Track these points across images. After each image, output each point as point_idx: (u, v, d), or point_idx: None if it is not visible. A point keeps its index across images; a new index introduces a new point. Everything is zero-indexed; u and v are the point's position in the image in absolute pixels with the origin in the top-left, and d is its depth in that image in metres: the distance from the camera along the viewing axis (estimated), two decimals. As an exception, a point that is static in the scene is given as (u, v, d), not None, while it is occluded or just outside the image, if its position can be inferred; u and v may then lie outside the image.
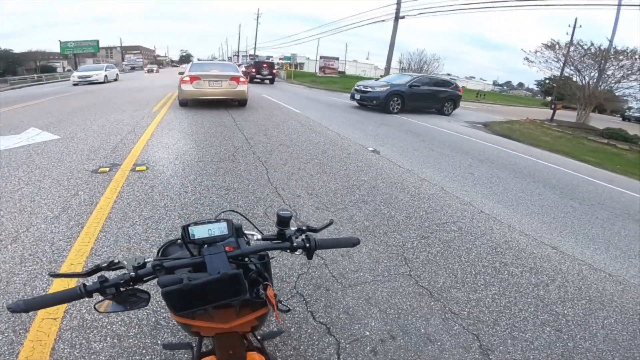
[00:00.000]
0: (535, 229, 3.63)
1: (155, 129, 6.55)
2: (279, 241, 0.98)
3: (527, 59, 18.73)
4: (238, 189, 3.81)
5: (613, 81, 16.16)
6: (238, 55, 67.71)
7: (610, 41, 16.39)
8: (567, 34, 21.66)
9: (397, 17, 21.92)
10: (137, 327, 1.85)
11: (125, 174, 4.05)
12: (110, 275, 0.79)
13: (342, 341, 1.87)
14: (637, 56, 14.80)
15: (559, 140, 11.14)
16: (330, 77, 36.79)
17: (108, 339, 1.77)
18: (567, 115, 18.53)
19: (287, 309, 0.86)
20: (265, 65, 25.48)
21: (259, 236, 1.06)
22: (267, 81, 24.77)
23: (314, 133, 7.26)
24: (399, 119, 11.05)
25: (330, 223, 1.12)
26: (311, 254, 0.96)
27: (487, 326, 2.09)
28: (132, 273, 0.80)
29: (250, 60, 40.88)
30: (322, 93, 20.40)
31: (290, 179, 4.27)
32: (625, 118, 29.36)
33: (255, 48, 56.92)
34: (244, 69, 24.02)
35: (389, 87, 12.34)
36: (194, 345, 1.24)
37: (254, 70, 24.51)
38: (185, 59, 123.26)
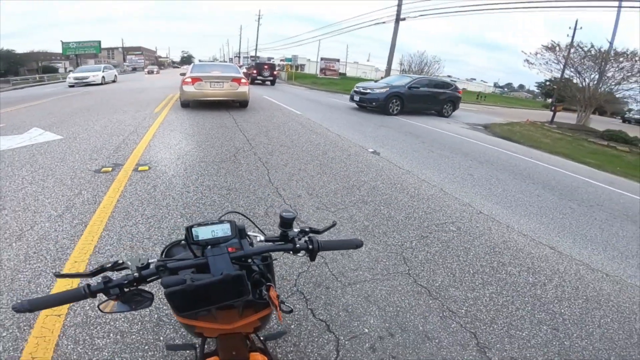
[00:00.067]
0: (534, 229, 3.66)
1: (157, 130, 6.60)
2: (282, 243, 0.99)
3: (527, 60, 18.81)
4: (239, 189, 3.85)
5: (613, 83, 16.20)
6: (239, 57, 67.83)
7: (611, 43, 16.47)
8: (567, 35, 21.71)
9: (398, 19, 21.98)
10: (139, 323, 1.88)
11: (127, 173, 4.09)
12: (114, 275, 0.80)
13: (342, 338, 1.90)
14: (637, 58, 14.85)
15: (559, 142, 11.17)
16: (331, 78, 36.85)
17: (111, 335, 1.80)
18: (567, 117, 18.58)
19: (289, 309, 0.87)
20: (266, 66, 25.51)
21: (262, 237, 1.07)
22: (268, 82, 24.81)
23: (315, 134, 7.30)
24: (398, 120, 11.09)
25: (333, 225, 1.12)
26: (314, 256, 0.97)
27: (485, 324, 2.12)
28: (135, 274, 0.81)
29: (252, 61, 40.96)
30: (322, 95, 20.44)
31: (291, 180, 4.30)
32: (625, 120, 29.41)
33: (256, 49, 57.07)
34: (245, 70, 24.07)
35: (388, 89, 12.33)
36: (197, 346, 1.25)
37: (255, 71, 24.53)
38: (187, 60, 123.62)
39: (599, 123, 17.71)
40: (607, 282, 2.81)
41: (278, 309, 0.83)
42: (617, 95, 17.93)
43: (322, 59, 42.21)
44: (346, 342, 1.88)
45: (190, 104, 9.63)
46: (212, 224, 0.89)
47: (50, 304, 0.74)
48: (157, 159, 4.73)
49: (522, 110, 29.92)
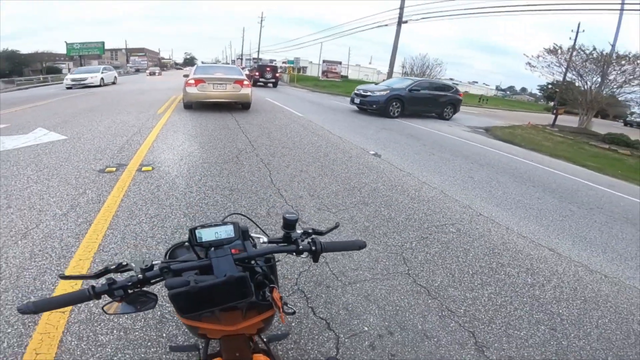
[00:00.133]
0: (533, 231, 3.69)
1: (160, 131, 6.66)
2: (285, 244, 0.99)
3: (529, 63, 18.82)
4: (242, 190, 3.89)
5: (615, 86, 16.21)
6: (242, 59, 68.12)
7: (613, 46, 16.47)
8: (570, 38, 21.69)
9: (400, 22, 22.06)
10: (142, 320, 1.91)
11: (131, 174, 4.14)
12: (118, 277, 0.81)
13: (342, 336, 1.93)
14: (639, 61, 14.84)
15: (560, 145, 11.18)
16: (333, 81, 36.94)
17: (115, 331, 1.82)
18: (569, 121, 18.58)
19: (292, 311, 0.87)
20: (268, 68, 25.59)
21: (265, 239, 1.07)
22: (271, 85, 24.88)
23: (316, 136, 7.34)
24: (400, 123, 11.12)
25: (337, 226, 1.12)
26: (317, 257, 0.97)
27: (483, 324, 2.15)
28: (139, 275, 0.81)
29: (254, 63, 41.11)
30: (324, 97, 20.51)
31: (292, 181, 4.34)
32: (627, 123, 29.36)
33: (258, 51, 57.28)
34: (247, 72, 24.15)
35: (388, 92, 12.32)
36: (200, 347, 1.25)
37: (257, 73, 24.60)
38: (189, 61, 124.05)
39: (601, 126, 17.71)
40: (605, 283, 2.84)
41: (281, 310, 0.83)
42: (619, 99, 17.93)
43: (324, 61, 42.38)
44: (346, 340, 1.91)
45: (193, 106, 9.69)
46: (216, 225, 0.89)
47: (54, 306, 0.75)
48: (160, 160, 4.78)
49: (524, 113, 29.92)
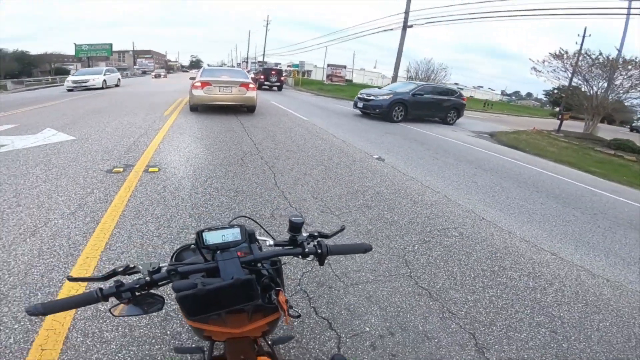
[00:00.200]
0: (536, 235, 3.69)
1: (167, 133, 6.74)
2: (291, 247, 0.99)
3: (534, 68, 18.76)
4: (246, 192, 3.93)
5: (622, 91, 16.11)
6: (247, 62, 68.55)
7: (619, 50, 16.41)
8: (576, 43, 21.66)
9: (405, 26, 22.13)
10: (147, 318, 1.94)
11: (138, 174, 4.21)
12: (126, 279, 0.81)
13: (343, 335, 1.96)
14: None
15: (565, 150, 11.14)
16: (338, 85, 37.03)
17: (120, 328, 1.85)
18: (574, 126, 18.50)
19: (297, 314, 0.87)
20: (273, 72, 25.74)
21: (271, 242, 1.07)
22: (275, 88, 25.02)
23: (320, 140, 7.39)
24: (404, 127, 11.14)
25: (342, 229, 1.12)
26: (323, 260, 0.97)
27: (484, 326, 2.17)
28: (147, 277, 0.81)
29: (259, 66, 41.35)
30: (329, 101, 20.58)
31: (296, 184, 4.38)
32: (633, 129, 29.16)
33: (264, 55, 57.61)
34: (252, 75, 24.32)
35: (391, 96, 12.26)
36: (205, 349, 1.26)
37: (262, 77, 24.75)
38: (195, 64, 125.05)
39: (607, 132, 17.62)
40: (607, 287, 2.84)
41: (286, 313, 0.83)
42: (626, 104, 17.82)
43: (328, 65, 42.46)
44: (347, 340, 1.93)
45: (199, 108, 9.79)
46: (223, 228, 0.90)
47: (63, 308, 0.76)
48: (166, 161, 4.85)
49: (529, 118, 29.82)
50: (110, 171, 4.27)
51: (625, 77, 15.51)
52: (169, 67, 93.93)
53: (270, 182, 4.32)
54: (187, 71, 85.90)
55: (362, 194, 4.29)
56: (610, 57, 15.78)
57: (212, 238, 0.88)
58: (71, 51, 44.54)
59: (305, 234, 1.00)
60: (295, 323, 2.01)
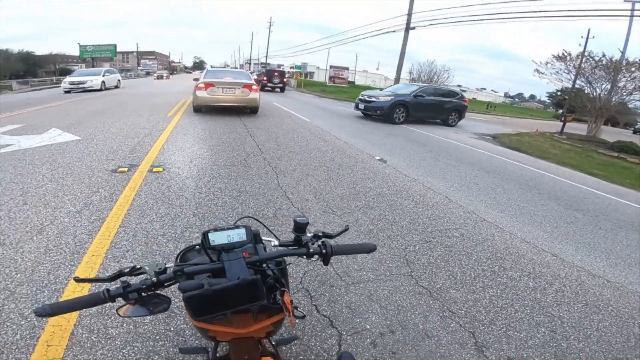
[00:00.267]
0: (537, 237, 3.71)
1: (170, 133, 6.80)
2: (296, 247, 1.00)
3: (537, 70, 18.73)
4: (249, 192, 3.97)
5: (625, 93, 16.06)
6: (250, 63, 68.72)
7: (623, 52, 16.36)
8: (579, 45, 21.59)
9: (408, 28, 22.15)
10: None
11: (143, 174, 4.26)
12: (132, 280, 0.82)
13: (344, 333, 1.99)
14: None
15: (567, 153, 11.12)
16: (340, 86, 37.11)
17: (124, 325, 1.88)
18: (577, 128, 18.46)
19: (302, 315, 0.89)
20: (276, 73, 25.81)
21: (276, 242, 1.07)
22: (278, 89, 25.09)
23: (323, 141, 7.42)
24: (406, 129, 11.16)
25: (346, 229, 1.13)
26: (327, 260, 0.98)
27: (483, 325, 2.19)
28: (154, 278, 0.81)
29: (262, 68, 41.45)
30: (331, 102, 20.63)
31: (299, 184, 4.42)
32: (636, 131, 29.01)
33: (267, 56, 57.75)
34: (255, 76, 24.39)
35: (393, 97, 12.26)
36: (209, 349, 1.26)
37: (265, 78, 24.83)
38: (199, 65, 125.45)
39: (610, 134, 17.55)
40: (607, 288, 2.86)
41: (291, 314, 0.83)
42: (629, 106, 17.76)
43: (331, 67, 42.58)
44: (348, 337, 1.96)
45: (203, 109, 9.86)
46: (228, 229, 0.91)
47: (70, 309, 0.76)
48: (171, 161, 4.90)
49: (532, 120, 29.76)
50: (115, 171, 4.33)
51: (629, 79, 15.47)
52: (172, 68, 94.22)
53: (273, 183, 4.36)
54: (191, 72, 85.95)
55: (364, 194, 4.31)
56: (614, 59, 15.75)
57: (218, 238, 0.89)
58: (76, 52, 44.64)
59: (309, 234, 1.01)
60: (297, 320, 2.03)
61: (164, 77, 44.78)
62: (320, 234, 1.01)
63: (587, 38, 22.53)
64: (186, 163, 4.86)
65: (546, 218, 4.37)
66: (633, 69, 15.09)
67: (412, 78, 32.62)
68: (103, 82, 18.67)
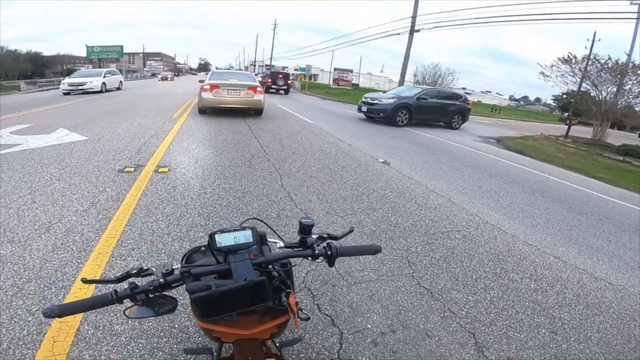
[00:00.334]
0: (539, 239, 3.72)
1: (176, 134, 6.88)
2: (301, 249, 1.00)
3: (542, 73, 18.68)
4: (253, 193, 4.01)
5: (631, 96, 15.96)
6: (255, 65, 69.03)
7: (629, 55, 16.28)
8: (585, 47, 21.48)
9: (412, 31, 22.20)
10: (156, 311, 2.01)
11: (149, 174, 4.32)
12: (140, 281, 0.83)
13: (345, 332, 2.01)
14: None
15: (572, 156, 11.07)
16: (344, 89, 37.15)
17: (129, 322, 1.91)
18: (583, 132, 18.35)
19: (307, 317, 0.89)
20: (280, 75, 25.91)
21: (282, 244, 1.07)
22: (282, 91, 25.17)
23: (326, 143, 7.46)
24: (409, 132, 11.17)
25: (351, 231, 1.13)
26: (332, 262, 0.98)
27: (484, 325, 2.20)
28: (161, 280, 0.81)
29: (266, 70, 41.63)
30: (335, 105, 20.69)
31: (302, 185, 4.45)
32: (642, 135, 28.68)
33: (271, 58, 57.99)
34: (260, 78, 24.49)
35: (396, 100, 12.23)
36: (214, 350, 1.27)
37: (269, 80, 24.93)
38: (204, 67, 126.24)
39: (616, 138, 17.40)
40: (609, 290, 2.86)
41: (296, 316, 0.84)
42: (636, 109, 17.64)
43: (335, 69, 42.64)
44: (349, 336, 1.98)
45: (208, 111, 9.93)
46: (235, 230, 0.91)
47: (78, 310, 0.77)
48: (176, 162, 4.96)
49: (537, 123, 29.59)
50: (122, 171, 4.39)
51: (635, 82, 15.38)
52: (178, 70, 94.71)
53: (277, 184, 4.40)
54: (196, 74, 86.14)
55: (367, 196, 4.34)
56: (620, 62, 15.67)
57: (225, 240, 0.89)
58: (83, 53, 44.93)
59: (314, 236, 1.01)
60: (301, 323, 2.05)
61: (169, 79, 43.93)
62: (325, 235, 1.02)
63: (593, 41, 22.39)
64: (191, 164, 4.92)
65: (549, 221, 4.37)
66: (639, 71, 14.99)
67: (416, 81, 32.59)
68: (104, 83, 17.91)
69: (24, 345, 1.69)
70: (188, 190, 3.89)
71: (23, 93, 20.14)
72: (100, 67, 31.91)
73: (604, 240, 4.01)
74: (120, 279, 0.82)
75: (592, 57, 17.01)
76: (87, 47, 42.94)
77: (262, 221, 1.18)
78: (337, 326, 2.05)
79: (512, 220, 4.20)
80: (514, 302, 2.49)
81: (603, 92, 16.47)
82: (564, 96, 31.83)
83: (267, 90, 21.67)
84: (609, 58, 15.91)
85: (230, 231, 0.90)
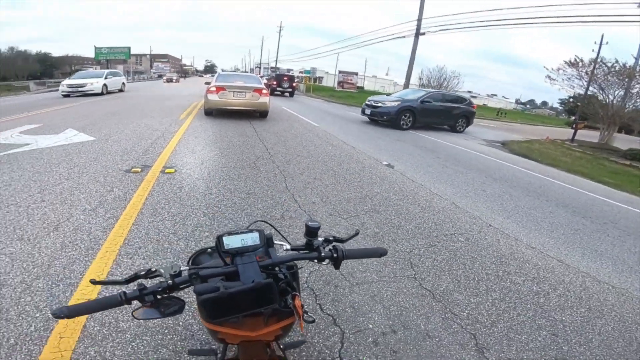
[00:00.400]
0: (543, 243, 3.71)
1: (182, 136, 6.96)
2: (307, 251, 1.00)
3: (549, 76, 18.57)
4: (258, 194, 4.06)
5: (639, 100, 15.82)
6: (260, 67, 69.36)
7: (637, 58, 16.15)
8: (592, 50, 21.35)
9: (418, 34, 22.18)
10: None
11: (155, 175, 4.39)
12: (148, 283, 0.84)
13: (347, 331, 2.04)
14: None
15: (578, 161, 11.00)
16: (349, 91, 37.25)
17: (135, 319, 1.92)
18: (590, 136, 18.21)
19: (312, 320, 0.88)
20: (285, 78, 26.02)
21: (288, 246, 1.07)
22: (287, 94, 25.28)
23: (331, 146, 7.50)
24: (414, 135, 11.18)
25: (357, 234, 1.14)
26: (338, 264, 0.98)
27: (485, 327, 2.22)
28: (169, 281, 0.82)
29: (272, 72, 41.80)
30: (340, 107, 20.73)
31: (306, 187, 4.49)
32: (651, 140, 28.35)
33: (276, 60, 58.28)
34: (265, 81, 24.61)
35: (400, 103, 12.18)
36: (218, 351, 1.28)
37: (275, 82, 25.05)
38: (210, 69, 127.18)
39: (623, 142, 17.27)
40: (612, 293, 2.86)
41: (301, 318, 0.84)
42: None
43: (340, 72, 42.79)
44: (350, 336, 2.01)
45: (214, 112, 10.02)
46: (242, 233, 0.92)
47: (87, 311, 0.78)
48: (182, 163, 5.03)
49: (543, 127, 29.43)
50: (129, 171, 4.46)
51: (642, 85, 15.25)
52: (184, 72, 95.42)
53: (281, 186, 4.44)
54: (202, 76, 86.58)
55: (371, 199, 4.36)
56: (627, 65, 15.56)
57: (232, 242, 0.90)
58: (91, 54, 45.39)
59: (320, 239, 1.02)
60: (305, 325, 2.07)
61: (174, 81, 43.14)
62: (331, 238, 1.02)
63: (601, 44, 22.28)
64: (197, 165, 4.98)
65: (553, 225, 4.36)
66: (647, 75, 14.89)
67: (421, 84, 32.57)
68: (105, 85, 17.07)
69: (31, 341, 1.73)
70: (194, 191, 3.94)
71: (32, 93, 20.41)
72: (108, 68, 31.76)
73: (608, 244, 4.00)
74: (128, 280, 0.83)
75: (599, 60, 16.91)
76: (95, 48, 43.38)
77: (269, 224, 1.19)
78: (338, 326, 2.07)
79: (516, 223, 4.20)
80: (516, 305, 2.50)
81: (610, 96, 16.35)
82: (571, 100, 31.59)
83: (272, 93, 21.76)
84: (616, 61, 15.82)
85: (237, 233, 0.91)
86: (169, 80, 42.77)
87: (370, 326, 2.10)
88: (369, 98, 13.63)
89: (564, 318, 2.42)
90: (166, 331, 1.90)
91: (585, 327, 2.35)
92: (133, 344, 1.79)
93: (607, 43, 22.61)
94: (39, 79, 33.31)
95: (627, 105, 16.02)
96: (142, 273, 0.83)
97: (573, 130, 16.44)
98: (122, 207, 3.37)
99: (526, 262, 3.18)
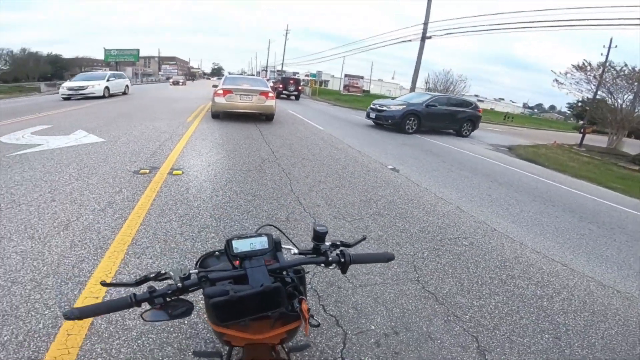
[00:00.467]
0: (548, 247, 3.71)
1: (190, 138, 7.04)
2: (315, 255, 1.01)
3: (556, 80, 18.48)
4: (263, 196, 4.10)
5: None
6: (266, 70, 69.74)
7: (645, 63, 15.98)
8: (601, 54, 21.17)
9: (424, 37, 22.18)
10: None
11: (163, 176, 4.46)
12: (157, 285, 0.85)
13: (349, 332, 2.06)
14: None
15: (586, 166, 10.91)
16: (355, 95, 37.25)
17: (142, 320, 2.01)
18: (598, 140, 18.03)
19: (317, 324, 0.88)
20: (291, 81, 26.16)
21: (295, 250, 1.08)
22: (293, 97, 25.40)
23: (336, 149, 7.53)
24: (419, 139, 11.17)
25: (364, 239, 1.16)
26: (345, 269, 0.99)
27: (487, 330, 2.23)
28: (179, 284, 0.83)
29: (278, 75, 41.97)
30: (345, 111, 20.78)
31: (311, 190, 4.53)
32: (661, 145, 27.96)
33: (282, 64, 58.54)
34: (271, 84, 24.74)
35: (405, 106, 12.15)
36: (223, 354, 1.28)
37: (281, 85, 25.18)
38: (217, 71, 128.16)
39: (633, 147, 17.03)
40: (617, 297, 2.86)
41: (307, 322, 0.85)
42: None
43: (346, 75, 42.77)
44: (353, 337, 2.03)
45: (220, 115, 10.12)
46: (251, 237, 0.92)
47: (98, 312, 0.78)
48: (189, 165, 5.10)
49: (551, 132, 29.15)
50: (137, 172, 4.54)
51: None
52: (192, 74, 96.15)
53: (286, 188, 4.48)
54: (209, 78, 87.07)
55: (375, 202, 4.39)
56: (637, 69, 15.41)
57: (241, 246, 0.91)
58: (101, 56, 45.78)
59: (327, 243, 1.02)
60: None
61: (180, 83, 41.99)
62: (338, 242, 1.03)
63: (609, 47, 22.07)
64: (204, 167, 5.05)
65: (559, 230, 4.34)
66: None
67: (427, 87, 32.50)
68: (107, 87, 16.24)
69: (39, 338, 1.76)
70: (200, 193, 4.00)
71: (43, 94, 20.74)
72: (117, 70, 31.60)
73: (614, 249, 3.97)
74: (138, 283, 0.83)
75: (607, 64, 16.78)
76: (105, 50, 43.82)
77: (277, 228, 1.19)
78: (341, 327, 2.09)
79: (521, 228, 4.19)
80: (519, 308, 2.50)
81: (619, 100, 16.21)
82: (579, 104, 31.32)
83: (278, 96, 21.85)
84: (625, 65, 15.68)
85: (246, 237, 0.92)
86: (175, 83, 42.00)
87: (373, 327, 2.12)
88: (374, 102, 13.62)
89: (567, 322, 2.42)
90: (171, 329, 1.93)
91: (589, 331, 2.35)
92: (139, 341, 1.82)
93: (616, 46, 22.40)
94: (50, 80, 33.83)
95: (636, 110, 15.87)
96: (152, 275, 0.84)
97: (581, 135, 16.31)
98: (130, 207, 3.43)
99: (530, 266, 3.18)
